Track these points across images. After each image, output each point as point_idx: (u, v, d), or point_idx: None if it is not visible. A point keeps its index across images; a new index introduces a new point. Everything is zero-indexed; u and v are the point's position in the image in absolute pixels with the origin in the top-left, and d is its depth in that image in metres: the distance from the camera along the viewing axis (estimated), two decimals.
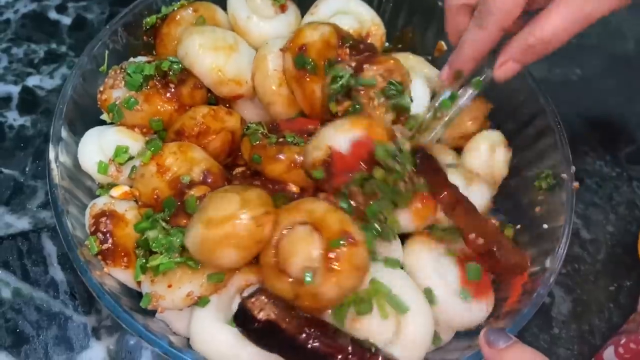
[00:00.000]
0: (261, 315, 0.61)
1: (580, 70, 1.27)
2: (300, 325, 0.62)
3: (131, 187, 0.81)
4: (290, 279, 0.66)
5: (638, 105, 1.24)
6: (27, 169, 0.98)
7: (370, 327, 0.68)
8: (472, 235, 0.75)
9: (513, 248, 0.79)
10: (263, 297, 0.62)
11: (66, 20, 1.16)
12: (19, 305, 0.86)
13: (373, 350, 0.64)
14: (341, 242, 0.65)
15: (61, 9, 1.18)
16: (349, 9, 0.98)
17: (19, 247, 0.90)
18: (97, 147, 0.82)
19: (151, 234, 0.74)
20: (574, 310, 0.98)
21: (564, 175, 0.86)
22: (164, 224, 0.75)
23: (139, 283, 0.76)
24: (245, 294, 0.70)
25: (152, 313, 0.76)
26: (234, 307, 0.72)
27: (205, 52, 0.84)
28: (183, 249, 0.73)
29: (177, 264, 0.72)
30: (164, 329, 0.75)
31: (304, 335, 0.62)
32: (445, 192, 0.76)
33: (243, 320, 0.63)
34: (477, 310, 0.77)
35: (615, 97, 1.25)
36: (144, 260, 0.74)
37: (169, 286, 0.72)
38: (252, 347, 0.67)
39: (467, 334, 0.79)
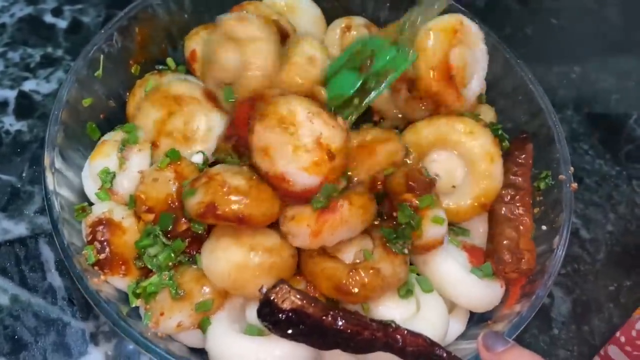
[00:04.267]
0: (286, 305, 0.62)
1: (579, 67, 1.26)
2: (324, 308, 0.63)
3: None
4: (346, 262, 0.74)
5: (637, 103, 1.24)
6: (23, 175, 0.97)
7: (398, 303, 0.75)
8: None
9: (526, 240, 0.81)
10: (285, 287, 0.63)
11: (62, 24, 1.16)
12: (17, 312, 0.85)
13: (394, 325, 0.66)
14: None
15: (57, 12, 1.17)
16: None
17: (17, 253, 0.90)
18: (92, 178, 0.81)
19: (152, 250, 0.74)
20: (574, 310, 0.97)
21: (562, 176, 0.85)
22: (163, 239, 0.74)
23: None
24: (264, 290, 0.71)
25: None
26: (248, 314, 0.73)
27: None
28: (173, 267, 0.74)
29: (164, 286, 0.72)
30: (162, 336, 0.74)
31: (330, 317, 0.63)
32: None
33: (268, 313, 0.63)
34: (493, 287, 0.79)
35: (615, 95, 1.25)
36: (135, 284, 0.74)
37: (162, 314, 0.71)
38: (277, 350, 0.69)
39: (465, 338, 0.79)
